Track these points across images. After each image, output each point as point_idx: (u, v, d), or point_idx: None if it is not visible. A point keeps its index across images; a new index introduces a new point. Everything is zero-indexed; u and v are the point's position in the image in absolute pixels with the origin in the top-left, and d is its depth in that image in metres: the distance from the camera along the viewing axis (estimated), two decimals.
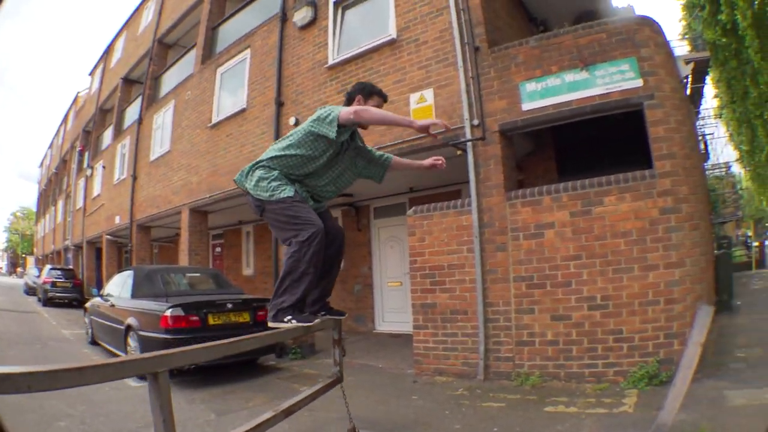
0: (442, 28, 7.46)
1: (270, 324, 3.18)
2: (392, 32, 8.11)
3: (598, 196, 6.08)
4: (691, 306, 5.54)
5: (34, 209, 51.26)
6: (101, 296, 9.76)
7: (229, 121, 11.56)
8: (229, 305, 7.52)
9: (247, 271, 15.53)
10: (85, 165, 23.55)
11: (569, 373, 6.03)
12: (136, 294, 8.17)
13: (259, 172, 3.22)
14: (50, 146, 40.54)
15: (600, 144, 7.71)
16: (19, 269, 42.03)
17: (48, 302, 19.50)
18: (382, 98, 3.47)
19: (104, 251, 19.46)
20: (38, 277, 22.38)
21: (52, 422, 5.09)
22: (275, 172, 3.20)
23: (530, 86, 6.65)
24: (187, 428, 5.00)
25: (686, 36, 24.75)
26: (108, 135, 20.95)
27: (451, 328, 6.89)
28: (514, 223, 6.60)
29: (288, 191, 3.14)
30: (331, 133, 3.07)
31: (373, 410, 5.54)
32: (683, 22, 25.81)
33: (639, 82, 6.05)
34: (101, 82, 24.17)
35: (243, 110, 11.13)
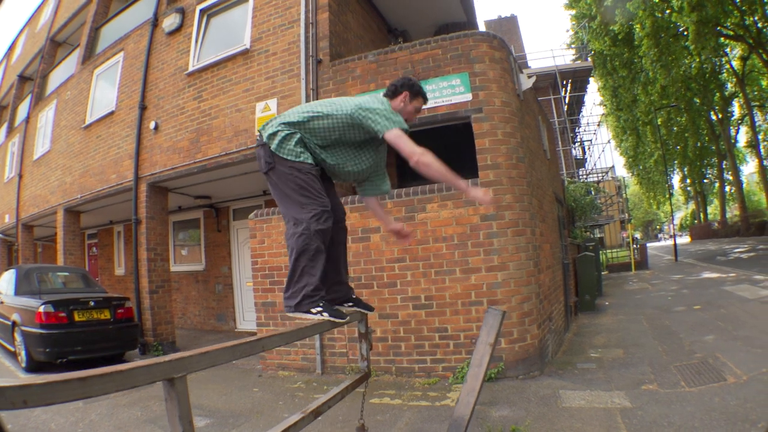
0: (290, 41, 6.98)
1: (293, 314, 2.66)
2: (247, 42, 7.53)
3: (421, 203, 5.93)
4: (517, 307, 5.50)
5: None
6: None
7: (100, 122, 10.45)
8: (92, 303, 7.52)
9: (119, 270, 14.40)
10: None
11: (400, 368, 5.92)
12: (18, 291, 8.04)
13: (284, 130, 2.66)
14: None
15: (441, 153, 7.38)
16: None
17: None
18: (425, 101, 2.99)
19: None
20: None
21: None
22: (298, 136, 2.67)
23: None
24: (61, 413, 5.06)
25: (572, 45, 25.47)
26: (2, 132, 18.73)
27: (290, 325, 6.24)
28: None
29: (306, 158, 2.65)
30: (373, 130, 2.62)
31: (216, 401, 5.51)
32: (571, 32, 26.55)
33: (468, 96, 5.91)
34: (2, 78, 21.66)
35: (112, 113, 10.09)
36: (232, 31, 8.08)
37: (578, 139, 26.38)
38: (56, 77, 14.08)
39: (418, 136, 6.54)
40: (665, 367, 5.29)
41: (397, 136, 2.59)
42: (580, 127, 25.40)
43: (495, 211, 5.59)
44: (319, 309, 2.60)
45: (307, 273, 2.61)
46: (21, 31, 20.76)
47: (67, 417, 5.00)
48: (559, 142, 19.06)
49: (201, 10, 8.56)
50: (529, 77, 6.53)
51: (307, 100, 6.51)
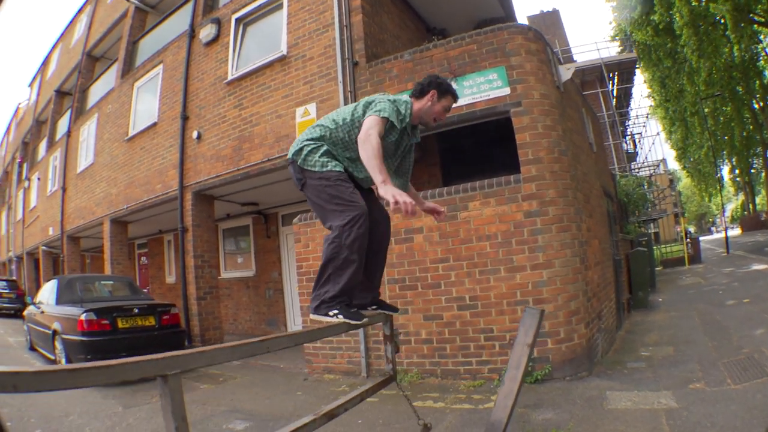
0: (326, 44, 7.29)
1: (312, 317, 2.73)
2: (283, 48, 7.90)
3: (463, 201, 5.97)
4: (563, 306, 5.46)
5: None
6: (34, 304, 9.77)
7: (143, 134, 11.11)
8: (136, 310, 7.66)
9: (170, 278, 15.00)
10: (23, 177, 22.40)
11: (445, 371, 5.93)
12: (59, 301, 8.27)
13: (309, 145, 2.76)
14: None
15: (484, 149, 7.60)
16: None
17: None
18: (455, 99, 2.97)
19: (41, 262, 18.59)
20: None
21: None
22: (324, 147, 2.76)
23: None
24: (98, 417, 5.32)
25: (616, 37, 25.25)
26: (43, 147, 19.95)
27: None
28: None
29: (334, 166, 2.72)
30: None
31: (258, 403, 5.65)
32: (613, 24, 26.33)
33: (506, 90, 5.92)
34: (38, 94, 23.02)
35: (155, 124, 10.70)
36: (268, 38, 8.47)
37: (628, 133, 26.03)
38: (96, 91, 14.90)
39: (458, 133, 6.86)
40: (713, 364, 5.30)
41: (370, 119, 2.62)
42: (629, 119, 25.08)
43: (538, 207, 5.59)
44: (336, 312, 2.65)
45: (332, 281, 2.68)
46: (54, 46, 21.94)
47: (104, 421, 5.22)
48: (609, 136, 18.96)
49: (237, 20, 9.02)
50: (568, 68, 6.59)
51: (345, 102, 6.77)
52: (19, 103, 30.02)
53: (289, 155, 2.84)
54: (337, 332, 2.77)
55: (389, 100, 2.74)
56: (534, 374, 5.34)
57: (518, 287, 5.60)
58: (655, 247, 17.47)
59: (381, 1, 7.80)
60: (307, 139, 2.78)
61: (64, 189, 15.43)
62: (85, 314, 7.09)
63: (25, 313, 11.04)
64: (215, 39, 9.26)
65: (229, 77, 8.74)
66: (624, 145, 23.60)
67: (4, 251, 27.52)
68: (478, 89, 6.07)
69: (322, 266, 2.72)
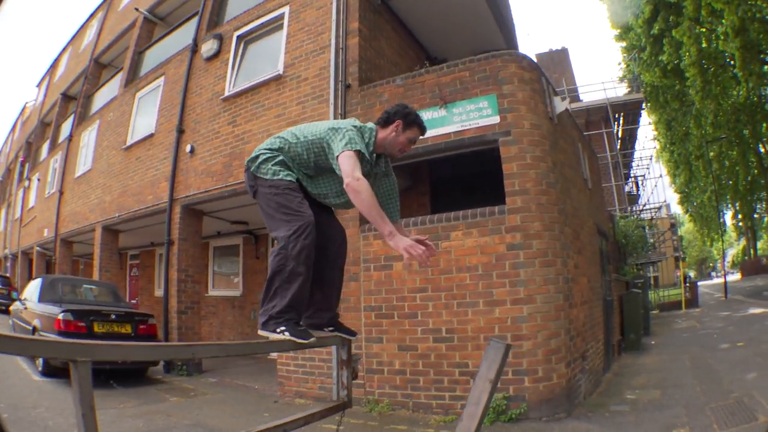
0: (322, 66, 7.40)
1: (259, 332, 2.63)
2: (280, 68, 8.04)
3: (445, 230, 5.95)
4: (543, 344, 5.37)
5: None
6: (20, 300, 10.00)
7: (140, 144, 11.24)
8: (113, 316, 7.76)
9: (159, 292, 14.96)
10: (24, 176, 22.64)
11: (417, 404, 5.87)
12: (41, 299, 8.48)
13: (265, 154, 2.75)
14: None
15: (476, 179, 7.64)
16: None
17: None
18: (421, 131, 2.89)
19: (34, 262, 18.75)
20: None
21: None
22: (280, 157, 2.73)
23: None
24: (63, 414, 5.32)
25: (624, 78, 25.45)
26: (45, 148, 20.17)
27: (309, 352, 6.64)
28: (366, 254, 6.48)
29: (285, 175, 2.69)
30: (331, 156, 2.62)
31: (223, 421, 5.67)
32: (623, 65, 26.52)
33: (496, 119, 5.91)
34: (45, 96, 23.41)
35: (151, 135, 10.84)
36: (267, 57, 8.63)
37: (632, 175, 26.15)
38: (100, 98, 15.15)
39: (450, 162, 6.88)
40: (700, 409, 5.25)
41: (345, 156, 2.54)
42: (633, 161, 25.21)
43: (522, 240, 5.52)
44: (283, 329, 2.55)
45: (279, 295, 2.60)
46: (64, 49, 22.33)
47: (68, 418, 5.21)
48: (612, 177, 19.11)
49: (238, 37, 9.19)
50: (563, 99, 6.60)
51: None
52: (26, 102, 30.52)
53: (246, 162, 2.83)
54: (282, 349, 2.77)
55: (354, 126, 2.70)
56: (509, 413, 5.24)
57: (497, 322, 5.53)
58: (652, 291, 17.47)
59: (381, 27, 7.93)
60: (265, 149, 2.78)
61: (61, 192, 15.60)
62: (63, 314, 7.24)
63: (11, 308, 11.32)
64: (216, 55, 9.42)
65: (226, 93, 8.87)
66: (626, 186, 23.67)
67: (0, 248, 27.78)
68: (468, 117, 6.08)
69: (268, 280, 2.65)
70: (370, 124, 2.84)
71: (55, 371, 7.39)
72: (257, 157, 2.77)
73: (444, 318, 5.81)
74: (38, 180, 19.56)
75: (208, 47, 9.50)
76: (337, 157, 2.56)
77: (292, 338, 2.53)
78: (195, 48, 10.02)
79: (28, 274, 20.90)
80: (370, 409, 6.00)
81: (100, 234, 12.36)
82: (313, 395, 6.67)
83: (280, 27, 8.44)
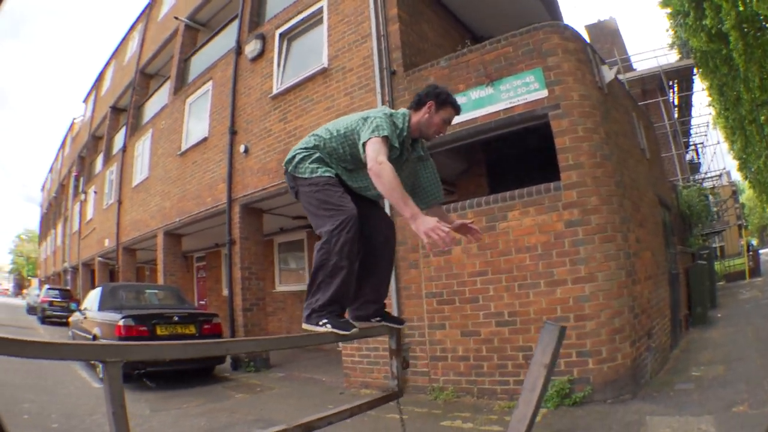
0: (365, 55, 7.55)
1: (303, 326, 2.70)
2: (324, 61, 8.22)
3: (501, 211, 5.92)
4: (606, 323, 5.24)
5: (38, 232, 51.48)
6: (80, 311, 10.37)
7: (195, 149, 11.72)
8: (176, 318, 7.96)
9: (226, 291, 15.45)
10: (80, 190, 23.85)
11: (482, 390, 5.85)
12: (101, 307, 8.65)
13: (301, 153, 2.82)
14: (50, 170, 40.86)
15: (532, 157, 7.57)
16: (24, 291, 42.34)
17: (45, 320, 19.81)
18: (456, 110, 2.87)
19: (96, 273, 19.67)
20: (38, 296, 22.72)
21: (17, 404, 5.82)
22: (316, 154, 2.79)
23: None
24: None
25: (674, 45, 24.71)
26: (100, 161, 21.19)
27: (373, 342, 6.74)
28: None
29: (323, 172, 2.74)
30: (360, 145, 2.65)
31: (287, 415, 5.62)
32: (671, 32, 25.68)
33: (544, 93, 5.81)
34: (93, 110, 24.52)
35: (205, 139, 11.29)
36: (311, 52, 8.83)
37: (691, 143, 25.41)
38: (150, 108, 15.81)
39: (505, 142, 6.92)
40: (759, 384, 5.13)
41: (370, 143, 2.57)
42: (691, 129, 24.51)
43: (580, 216, 5.40)
44: (325, 321, 2.60)
45: (322, 289, 2.65)
46: (107, 63, 23.33)
47: None
48: (672, 146, 18.71)
49: (280, 35, 9.46)
50: (611, 68, 6.46)
51: None
52: (74, 118, 31.80)
53: (284, 164, 2.89)
54: (324, 342, 2.75)
55: (385, 114, 2.71)
56: (573, 396, 5.18)
57: (558, 302, 5.44)
58: (718, 262, 17.04)
59: (420, 10, 7.99)
60: (300, 148, 2.84)
61: (120, 202, 16.45)
62: (123, 320, 7.39)
63: (70, 319, 11.75)
64: (260, 54, 9.73)
65: (274, 91, 9.15)
66: (687, 155, 23.04)
67: (59, 261, 29.39)
68: (515, 93, 6.02)
69: (312, 274, 2.72)
70: (403, 110, 2.88)
71: None
72: (293, 157, 2.83)
73: (505, 301, 5.78)
74: (95, 192, 20.54)
75: (251, 48, 9.81)
76: (364, 144, 2.60)
77: (334, 330, 2.58)
78: (239, 50, 10.34)
79: (90, 285, 22.10)
80: (434, 397, 6.07)
81: (163, 239, 13.00)
82: (378, 385, 6.71)
83: (320, 21, 8.63)
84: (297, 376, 8.38)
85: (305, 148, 2.83)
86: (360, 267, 2.86)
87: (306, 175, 2.75)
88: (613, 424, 4.55)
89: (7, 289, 71.13)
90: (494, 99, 6.16)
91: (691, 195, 14.66)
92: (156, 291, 10.50)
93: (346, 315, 2.83)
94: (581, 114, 5.71)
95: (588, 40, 9.46)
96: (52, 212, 35.17)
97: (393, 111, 2.83)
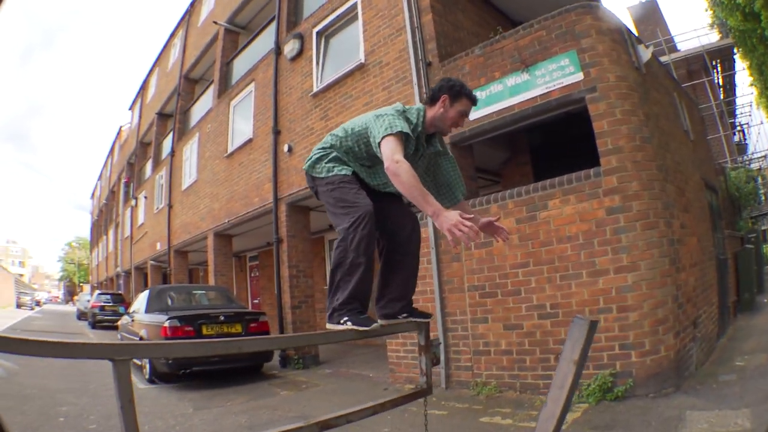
0: (400, 48, 7.71)
1: (327, 326, 2.74)
2: (361, 56, 8.45)
3: (542, 200, 5.85)
4: (649, 314, 5.15)
5: (89, 239, 53.13)
6: (128, 314, 10.78)
7: (241, 150, 12.16)
8: (222, 317, 8.15)
9: None
10: (130, 195, 24.89)
11: (524, 384, 5.83)
12: (148, 309, 8.99)
13: (318, 153, 2.87)
14: (99, 178, 42.76)
15: (576, 144, 7.64)
16: (75, 297, 44.55)
17: (96, 325, 20.52)
18: (471, 102, 2.84)
19: (149, 276, 20.47)
20: (89, 302, 23.74)
21: (55, 407, 6.11)
22: (333, 153, 2.84)
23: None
24: (163, 417, 5.76)
25: (714, 24, 24.03)
26: (149, 167, 22.14)
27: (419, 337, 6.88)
28: None
29: (339, 170, 2.78)
30: (374, 144, 2.66)
31: (329, 411, 5.74)
32: (709, 11, 24.96)
33: (579, 76, 5.74)
34: (140, 117, 25.60)
35: (250, 140, 11.71)
36: (348, 48, 9.08)
37: (737, 123, 24.63)
38: (196, 112, 16.47)
39: (549, 129, 6.99)
40: None
41: (385, 141, 2.57)
42: (737, 109, 23.78)
43: (621, 203, 5.31)
44: (345, 319, 2.63)
45: (341, 287, 2.68)
46: (151, 70, 24.40)
47: (167, 421, 5.60)
48: (720, 127, 18.29)
49: (317, 33, 9.76)
50: (647, 47, 6.40)
51: None
52: (121, 126, 33.18)
53: (304, 167, 2.95)
54: (344, 339, 2.81)
55: (397, 110, 2.72)
56: (615, 390, 5.11)
57: (601, 293, 5.35)
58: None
59: (455, 0, 8.12)
60: (318, 148, 2.90)
61: (170, 206, 17.18)
62: (168, 321, 7.61)
63: (119, 323, 12.24)
64: (299, 54, 10.06)
65: (314, 90, 9.44)
66: (735, 137, 22.37)
67: (111, 267, 30.77)
68: (551, 77, 5.97)
69: (330, 273, 2.76)
70: (418, 105, 2.87)
71: (163, 378, 7.87)
72: (311, 158, 2.89)
73: (547, 293, 5.73)
74: (145, 198, 21.47)
75: (290, 48, 10.16)
76: (379, 144, 2.60)
77: (354, 327, 2.60)
78: (278, 51, 10.72)
79: (143, 289, 23.25)
80: (477, 392, 6.06)
81: (213, 240, 13.54)
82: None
83: (355, 17, 8.87)
84: (345, 373, 8.50)
85: (322, 148, 2.87)
86: (385, 264, 2.94)
87: (322, 175, 2.81)
88: (653, 420, 4.46)
89: (58, 297, 73.62)
90: (530, 85, 6.15)
91: (739, 177, 14.34)
92: (204, 291, 10.81)
93: (374, 314, 2.86)
94: (618, 96, 5.61)
95: (630, 22, 9.35)
96: (103, 219, 36.68)
97: (407, 107, 2.84)
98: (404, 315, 2.93)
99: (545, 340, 5.72)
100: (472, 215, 2.64)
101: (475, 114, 6.51)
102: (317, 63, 9.72)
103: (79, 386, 7.41)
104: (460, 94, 2.79)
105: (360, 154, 2.83)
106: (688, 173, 7.35)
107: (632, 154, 5.48)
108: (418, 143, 2.81)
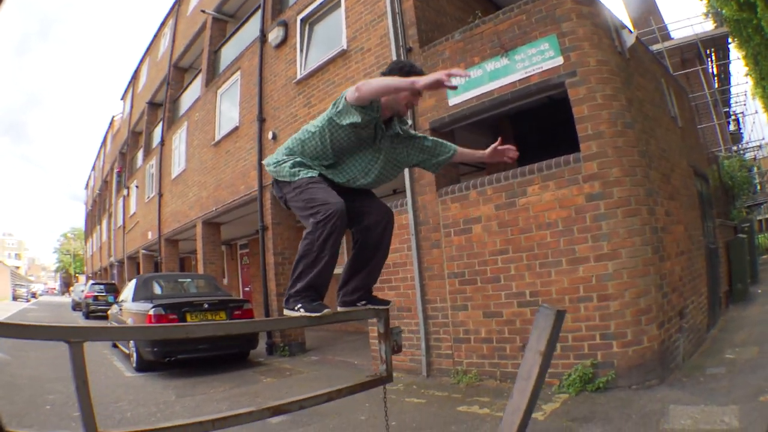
0: (381, 34, 7.63)
1: (284, 312, 2.78)
2: (344, 43, 8.37)
3: (521, 186, 5.78)
4: (631, 303, 5.03)
5: (84, 229, 53.12)
6: (117, 303, 10.87)
7: (227, 138, 12.10)
8: (206, 305, 8.21)
9: None
10: (122, 185, 24.87)
11: (504, 373, 5.77)
12: (135, 298, 9.05)
13: (281, 162, 2.85)
14: (93, 168, 42.60)
15: (561, 132, 7.57)
16: (71, 289, 44.72)
17: (90, 315, 20.61)
18: None
19: (141, 265, 20.49)
20: (83, 292, 23.84)
21: (43, 395, 6.17)
22: (296, 158, 2.83)
23: (455, 81, 6.44)
24: (146, 405, 5.81)
25: (709, 13, 23.91)
26: (140, 156, 22.09)
27: (399, 325, 6.54)
28: (445, 219, 6.48)
29: (305, 173, 2.77)
30: (355, 118, 2.60)
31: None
32: (704, 0, 24.86)
33: (559, 60, 5.61)
34: (131, 107, 25.51)
35: (236, 128, 11.65)
36: (331, 35, 8.99)
37: (732, 112, 24.58)
38: (185, 101, 16.37)
39: (533, 116, 6.85)
40: None
41: (350, 91, 2.58)
42: (731, 98, 23.72)
43: (601, 189, 5.20)
44: (299, 306, 2.67)
45: (302, 278, 2.72)
46: (142, 60, 24.30)
47: (149, 408, 5.66)
48: (714, 116, 18.21)
49: (302, 20, 9.67)
50: (631, 33, 6.24)
51: None
52: (114, 116, 33.15)
53: (269, 169, 2.94)
54: (295, 325, 2.84)
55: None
56: (596, 381, 5.01)
57: (581, 281, 5.26)
58: (762, 235, 16.48)
59: None
60: (282, 156, 2.88)
61: (160, 195, 17.15)
62: (153, 309, 7.68)
63: (109, 312, 12.33)
64: (283, 41, 9.98)
65: (298, 77, 9.36)
66: (729, 126, 22.34)
67: (105, 257, 30.79)
68: (530, 62, 5.84)
69: (295, 263, 2.77)
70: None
71: (149, 366, 7.93)
72: (275, 167, 2.87)
73: (527, 280, 5.66)
74: (136, 187, 21.46)
75: (274, 35, 10.07)
76: (345, 98, 2.61)
77: (306, 314, 2.64)
78: (263, 38, 10.64)
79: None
80: (457, 381, 6.03)
81: (201, 228, 13.50)
82: (405, 368, 6.78)
83: (339, 4, 8.79)
84: (330, 360, 8.54)
85: (284, 155, 2.87)
86: (355, 257, 2.96)
87: (287, 179, 2.80)
88: (633, 413, 4.34)
89: (54, 288, 73.71)
90: (510, 70, 6.03)
91: (732, 166, 14.29)
92: (190, 280, 10.87)
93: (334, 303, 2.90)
94: (599, 80, 5.48)
95: (624, 9, 9.18)
96: (97, 209, 36.71)
97: None
98: (363, 302, 2.95)
99: (525, 328, 5.57)
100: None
101: (454, 99, 6.52)
102: (301, 50, 9.64)
103: (68, 375, 7.34)
104: (410, 74, 2.72)
105: (325, 151, 2.80)
106: (675, 160, 7.21)
107: (613, 140, 5.35)
108: (377, 128, 2.78)
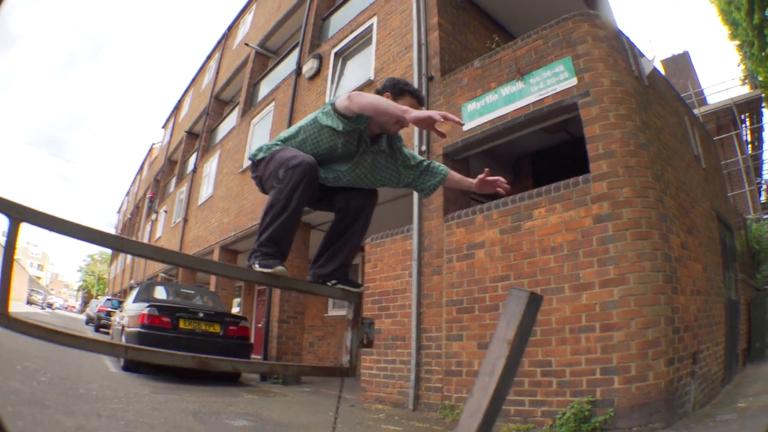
0: (407, 65, 7.90)
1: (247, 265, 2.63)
2: (371, 74, 8.69)
3: (528, 209, 5.61)
4: (637, 334, 4.58)
5: (111, 252, 53.70)
6: (119, 309, 11.10)
7: None
8: (201, 314, 8.17)
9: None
10: (153, 210, 25.42)
11: None
12: (135, 300, 9.17)
13: (269, 148, 2.75)
14: (127, 194, 43.84)
15: (579, 169, 7.60)
16: (89, 305, 44.95)
17: (100, 329, 20.53)
18: (416, 99, 2.77)
19: None
20: (97, 307, 24.04)
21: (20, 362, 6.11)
22: (285, 146, 2.74)
23: (471, 106, 6.61)
24: (117, 397, 5.55)
25: (746, 79, 23.88)
26: (173, 183, 22.71)
27: (391, 354, 6.69)
28: (449, 244, 6.37)
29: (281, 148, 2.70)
30: (335, 124, 2.57)
31: (278, 414, 5.68)
32: (741, 66, 24.86)
33: (573, 81, 5.57)
34: (171, 135, 26.39)
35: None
36: (362, 68, 9.37)
37: (764, 181, 24.24)
38: (221, 131, 17.00)
39: (554, 153, 7.01)
40: None
41: (341, 99, 2.53)
42: (764, 164, 23.47)
43: (610, 210, 4.94)
44: (256, 261, 2.54)
45: (267, 229, 2.58)
46: (186, 90, 25.22)
47: (117, 393, 5.61)
48: (745, 183, 18.04)
49: (336, 54, 10.12)
50: (650, 60, 6.27)
51: None
52: (153, 144, 34.23)
53: (249, 155, 2.86)
54: (249, 277, 2.71)
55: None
56: (593, 421, 4.55)
57: (584, 309, 4.92)
58: None
59: (468, 22, 8.29)
60: (270, 142, 2.82)
61: (185, 220, 17.55)
62: (147, 309, 7.74)
63: (112, 318, 12.57)
64: (317, 73, 10.41)
65: None
66: (761, 195, 21.95)
67: (127, 279, 31.20)
68: (545, 84, 5.86)
69: (262, 215, 2.64)
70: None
71: (136, 366, 7.90)
72: (257, 150, 2.82)
73: None
74: (165, 212, 21.99)
75: (308, 67, 10.53)
76: (333, 104, 2.58)
77: (260, 269, 2.50)
78: (299, 71, 11.11)
79: None
80: (443, 416, 5.75)
81: (219, 254, 13.64)
82: (392, 401, 6.53)
83: (371, 39, 9.17)
84: (323, 392, 8.14)
85: (260, 147, 2.82)
86: (333, 227, 2.88)
87: (261, 155, 2.73)
88: None
89: (74, 306, 73.65)
90: (524, 93, 6.06)
91: (760, 230, 13.99)
92: (192, 291, 10.74)
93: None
94: (612, 100, 5.37)
95: (663, 73, 9.29)
96: (126, 233, 37.29)
97: None
98: (333, 282, 2.80)
99: (520, 361, 5.41)
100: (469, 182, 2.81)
101: (469, 124, 6.58)
102: (332, 82, 10.03)
103: (57, 357, 7.42)
104: (404, 92, 2.73)
105: (304, 148, 2.72)
106: (696, 197, 6.91)
107: (625, 159, 5.13)
108: (360, 140, 2.69)
